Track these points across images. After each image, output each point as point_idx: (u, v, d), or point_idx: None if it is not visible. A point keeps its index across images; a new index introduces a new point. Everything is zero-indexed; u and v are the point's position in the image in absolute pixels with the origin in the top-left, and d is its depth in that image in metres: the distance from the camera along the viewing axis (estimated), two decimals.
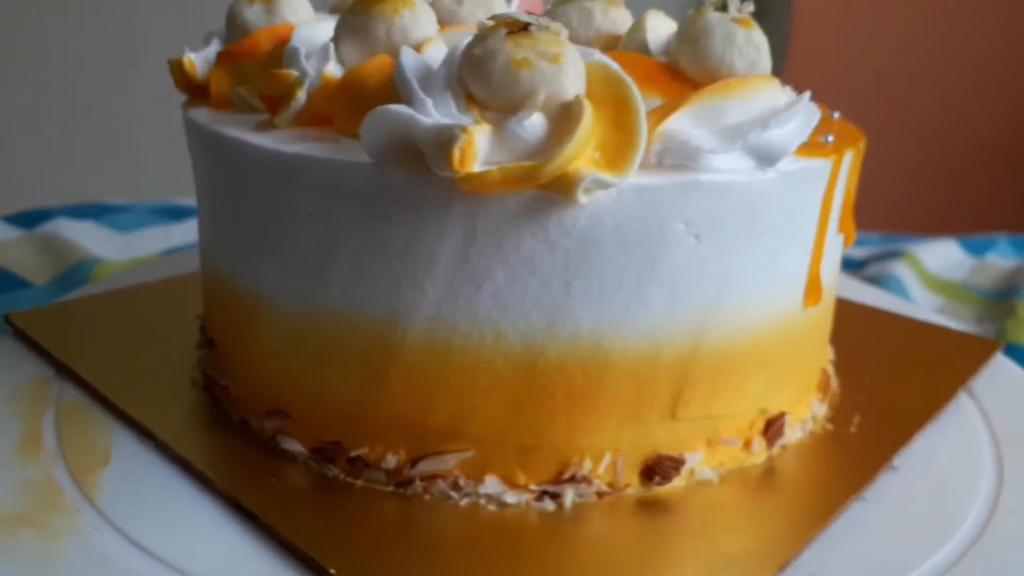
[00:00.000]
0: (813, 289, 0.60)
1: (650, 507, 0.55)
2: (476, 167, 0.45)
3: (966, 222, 2.17)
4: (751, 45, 0.54)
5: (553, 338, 0.51)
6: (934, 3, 2.34)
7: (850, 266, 1.39)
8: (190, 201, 1.46)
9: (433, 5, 0.60)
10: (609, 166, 0.47)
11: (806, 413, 0.65)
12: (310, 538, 0.49)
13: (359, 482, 0.56)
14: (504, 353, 0.52)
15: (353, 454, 0.55)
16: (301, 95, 0.54)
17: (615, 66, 0.48)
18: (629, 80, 0.48)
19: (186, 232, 1.33)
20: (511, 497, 0.54)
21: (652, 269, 0.51)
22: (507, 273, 0.50)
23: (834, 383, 0.71)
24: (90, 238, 1.24)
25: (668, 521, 0.54)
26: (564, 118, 0.46)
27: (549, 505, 0.54)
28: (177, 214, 1.39)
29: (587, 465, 0.54)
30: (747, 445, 0.60)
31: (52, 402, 0.63)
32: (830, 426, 0.65)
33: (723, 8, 0.55)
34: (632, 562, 0.50)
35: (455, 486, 0.54)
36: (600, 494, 0.55)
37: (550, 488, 0.54)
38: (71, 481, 0.54)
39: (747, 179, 0.51)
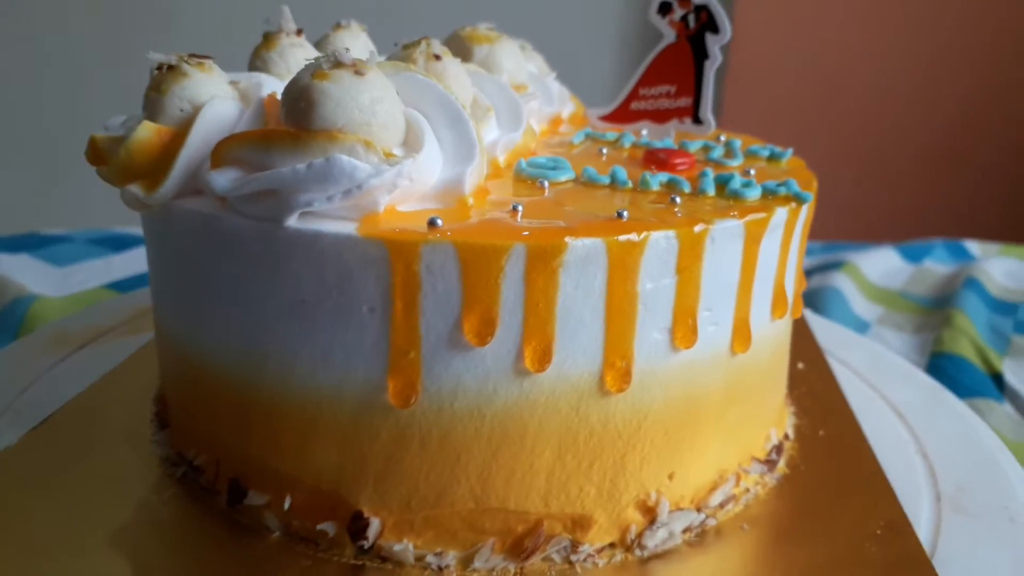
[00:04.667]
0: (400, 389, 0.51)
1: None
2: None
3: (904, 226, 2.27)
4: (303, 99, 0.48)
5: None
6: (869, 10, 2.34)
7: None
8: (131, 229, 1.42)
9: None
10: (146, 186, 0.54)
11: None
12: None
13: None
14: None
15: None
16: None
17: (209, 106, 0.54)
18: (213, 113, 0.54)
19: (127, 263, 1.28)
20: None
21: (205, 284, 0.56)
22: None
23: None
24: (26, 273, 1.21)
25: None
26: None
27: None
28: (117, 244, 1.35)
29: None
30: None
31: None
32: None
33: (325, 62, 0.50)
34: None
35: None
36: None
37: None
38: None
39: (251, 227, 0.51)
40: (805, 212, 0.60)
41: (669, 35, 0.78)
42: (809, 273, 1.48)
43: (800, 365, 0.81)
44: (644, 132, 0.79)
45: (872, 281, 1.46)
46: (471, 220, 0.51)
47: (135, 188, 0.54)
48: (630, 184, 0.59)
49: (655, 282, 0.51)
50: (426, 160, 0.52)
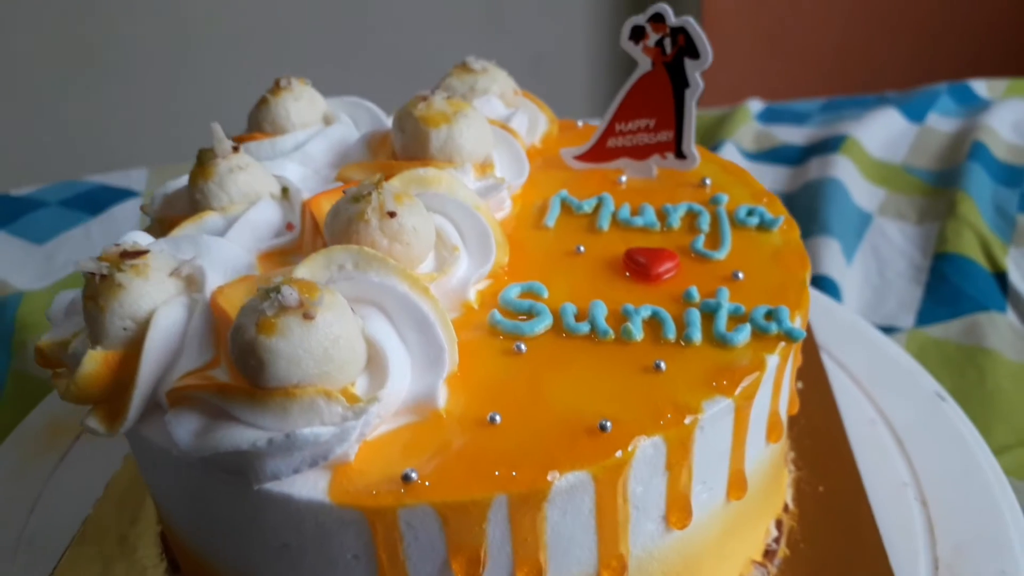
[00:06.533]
0: None
1: None
2: None
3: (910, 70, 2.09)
4: (253, 357, 0.45)
5: None
6: None
7: (789, 158, 1.43)
8: (98, 178, 1.41)
9: None
10: (106, 421, 0.52)
11: None
12: None
13: None
14: None
15: None
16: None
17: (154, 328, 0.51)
18: (159, 335, 0.51)
19: (105, 230, 1.27)
20: None
21: (187, 505, 0.56)
22: None
23: None
24: (4, 258, 1.20)
25: None
26: None
27: None
28: (92, 204, 1.34)
29: None
30: None
31: None
32: None
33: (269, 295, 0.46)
34: None
35: None
36: None
37: None
38: None
39: (220, 479, 0.49)
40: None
41: (644, 63, 0.70)
42: (806, 154, 1.44)
43: (799, 384, 0.79)
44: (623, 179, 0.73)
45: (873, 156, 1.42)
46: (447, 447, 0.48)
47: (94, 424, 0.52)
48: (611, 335, 0.55)
49: (645, 485, 0.50)
50: (393, 387, 0.49)
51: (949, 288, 1.12)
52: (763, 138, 1.52)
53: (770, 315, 0.56)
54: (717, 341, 0.54)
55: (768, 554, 0.64)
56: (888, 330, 1.02)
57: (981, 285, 1.11)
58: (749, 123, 1.56)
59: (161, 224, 0.65)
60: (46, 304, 1.11)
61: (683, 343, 0.54)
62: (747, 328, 0.55)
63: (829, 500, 0.69)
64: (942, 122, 1.53)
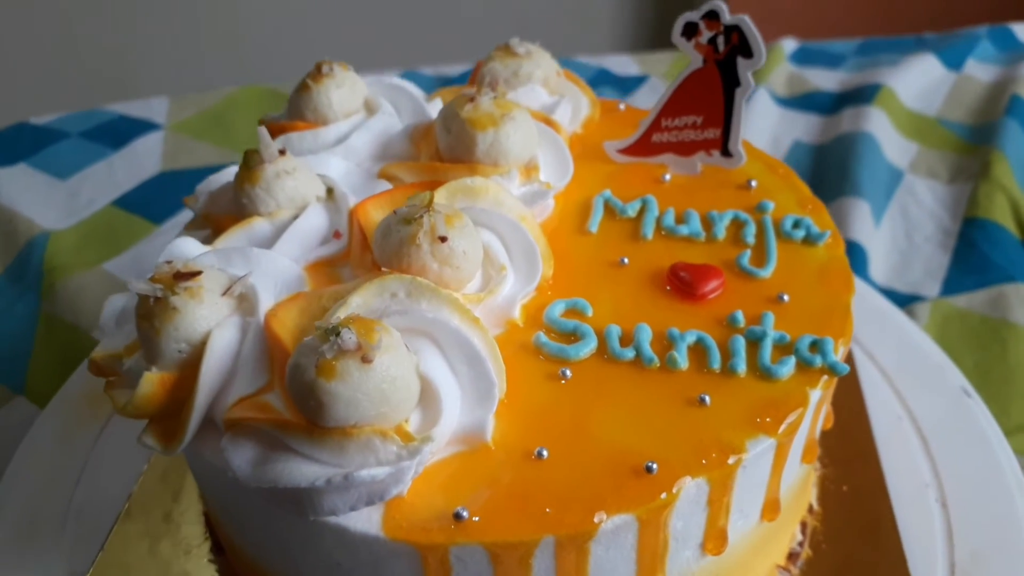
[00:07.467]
0: None
1: None
2: None
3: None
4: (312, 398, 0.46)
5: None
6: None
7: (822, 106, 1.41)
8: (119, 107, 1.40)
9: None
10: (162, 440, 0.53)
11: None
12: None
13: None
14: None
15: None
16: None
17: (209, 353, 0.51)
18: (214, 359, 0.51)
19: (128, 165, 1.27)
20: None
21: (243, 517, 0.58)
22: None
23: None
24: (29, 194, 1.20)
25: None
26: None
27: None
28: (114, 137, 1.33)
29: None
30: None
31: None
32: None
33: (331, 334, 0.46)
34: None
35: None
36: None
37: None
38: None
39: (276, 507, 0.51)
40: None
41: (696, 60, 0.69)
42: (841, 102, 1.41)
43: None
44: (667, 177, 0.72)
45: (908, 106, 1.39)
46: (496, 482, 0.49)
47: (151, 442, 0.53)
48: (656, 362, 0.56)
49: (686, 520, 0.51)
50: (445, 422, 0.50)
51: (977, 256, 1.12)
52: (796, 82, 1.49)
53: (815, 346, 0.56)
54: (761, 373, 0.55)
55: (791, 556, 0.67)
56: (913, 299, 1.03)
57: (1011, 254, 1.10)
58: (782, 64, 1.52)
59: (206, 220, 0.65)
60: (72, 245, 1.14)
61: (727, 373, 0.55)
62: (791, 360, 0.55)
63: (852, 500, 0.71)
64: (980, 70, 1.49)
